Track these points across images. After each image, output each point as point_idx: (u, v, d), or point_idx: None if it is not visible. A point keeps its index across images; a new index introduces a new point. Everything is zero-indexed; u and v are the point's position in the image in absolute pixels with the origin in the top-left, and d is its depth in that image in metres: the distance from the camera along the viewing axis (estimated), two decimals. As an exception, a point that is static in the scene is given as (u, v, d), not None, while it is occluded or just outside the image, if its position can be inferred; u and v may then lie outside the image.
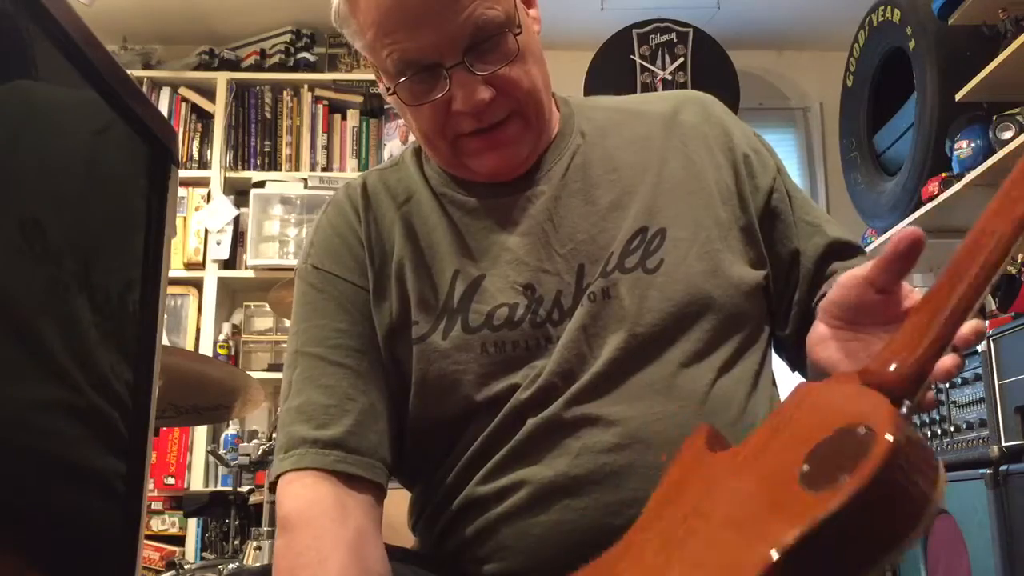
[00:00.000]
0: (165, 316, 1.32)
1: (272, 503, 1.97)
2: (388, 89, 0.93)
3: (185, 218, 3.52)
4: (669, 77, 3.62)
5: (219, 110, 3.61)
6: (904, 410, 0.54)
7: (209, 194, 3.54)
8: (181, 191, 3.51)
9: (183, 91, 3.65)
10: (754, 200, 0.98)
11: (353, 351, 0.93)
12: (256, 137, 3.64)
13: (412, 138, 1.03)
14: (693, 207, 0.95)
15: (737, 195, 0.98)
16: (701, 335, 0.91)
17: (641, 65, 3.64)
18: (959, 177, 2.75)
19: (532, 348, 0.91)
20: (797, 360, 0.97)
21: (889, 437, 0.46)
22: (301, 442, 0.89)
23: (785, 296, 0.99)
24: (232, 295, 3.64)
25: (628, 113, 1.05)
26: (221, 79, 3.63)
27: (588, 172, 0.98)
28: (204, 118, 3.66)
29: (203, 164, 3.61)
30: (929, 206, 2.90)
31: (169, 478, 3.29)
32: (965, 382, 2.11)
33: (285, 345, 1.00)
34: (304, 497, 0.87)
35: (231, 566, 1.96)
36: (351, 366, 0.93)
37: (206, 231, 3.50)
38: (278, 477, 0.90)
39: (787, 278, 0.98)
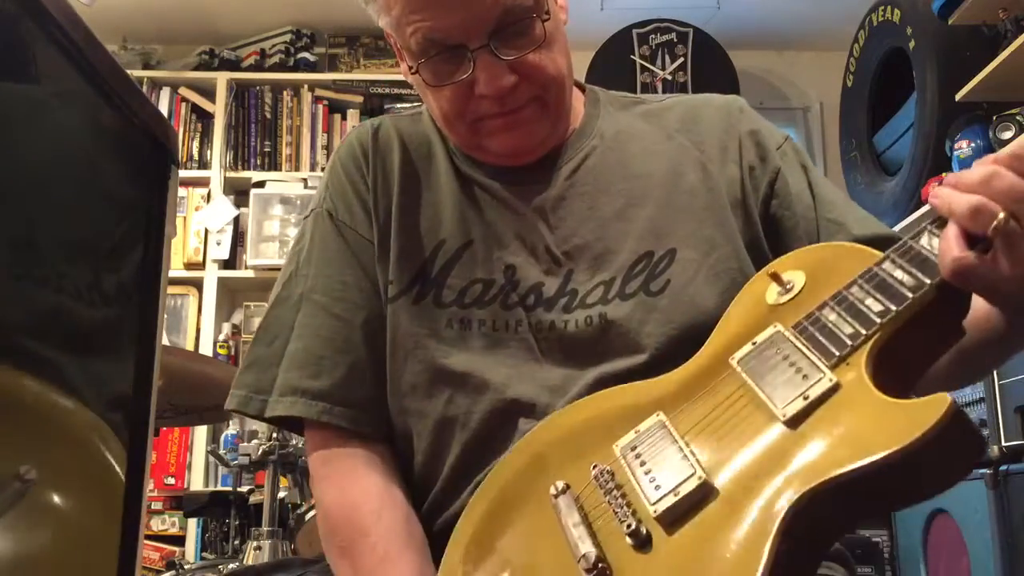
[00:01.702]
0: (165, 316, 1.31)
1: (272, 503, 1.98)
2: (411, 68, 0.93)
3: (185, 218, 3.52)
4: (669, 77, 3.62)
5: (219, 110, 3.61)
6: None
7: (209, 194, 3.55)
8: (181, 191, 3.51)
9: (183, 91, 3.65)
10: (756, 208, 0.97)
11: (354, 305, 0.96)
12: (256, 137, 3.64)
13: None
14: (706, 224, 0.94)
15: (743, 208, 0.96)
16: None
17: (641, 65, 3.64)
18: (959, 177, 2.74)
19: (500, 330, 0.91)
20: None
21: None
22: (293, 390, 0.93)
23: None
24: (232, 295, 3.63)
25: (652, 119, 1.04)
26: (221, 79, 3.63)
27: (599, 177, 0.98)
28: (204, 118, 3.66)
29: (203, 164, 3.61)
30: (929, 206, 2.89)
31: (169, 478, 3.29)
32: (965, 382, 2.11)
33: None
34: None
35: (231, 566, 1.96)
36: (349, 320, 0.95)
37: (206, 231, 3.50)
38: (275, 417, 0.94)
39: None
